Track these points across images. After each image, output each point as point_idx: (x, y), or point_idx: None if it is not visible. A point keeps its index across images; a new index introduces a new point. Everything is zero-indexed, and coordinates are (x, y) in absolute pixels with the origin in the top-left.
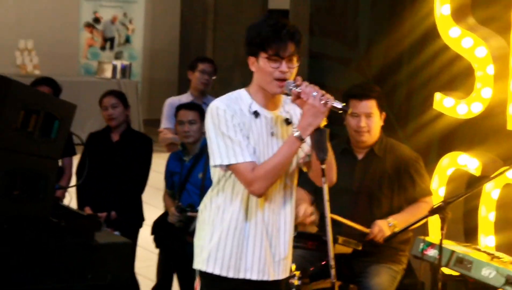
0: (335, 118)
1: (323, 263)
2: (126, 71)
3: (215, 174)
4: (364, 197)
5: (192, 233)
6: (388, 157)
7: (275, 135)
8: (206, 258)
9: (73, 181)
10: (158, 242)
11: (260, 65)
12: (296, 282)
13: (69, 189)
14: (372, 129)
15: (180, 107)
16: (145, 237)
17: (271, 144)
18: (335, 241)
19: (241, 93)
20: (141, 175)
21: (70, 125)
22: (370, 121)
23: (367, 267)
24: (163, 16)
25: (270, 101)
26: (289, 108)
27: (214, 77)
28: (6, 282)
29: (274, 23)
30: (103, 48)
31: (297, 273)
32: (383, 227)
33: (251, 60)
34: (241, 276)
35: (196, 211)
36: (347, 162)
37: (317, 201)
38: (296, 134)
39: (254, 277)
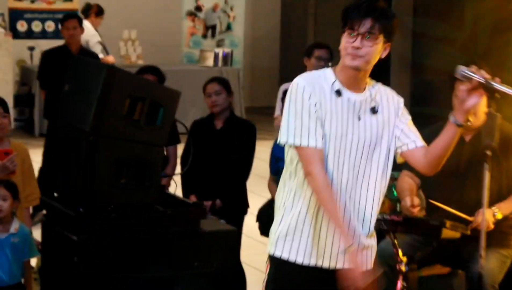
0: (438, 101)
1: (431, 248)
2: (227, 58)
3: (288, 153)
4: (472, 179)
5: None
6: (497, 137)
7: (361, 119)
8: (275, 241)
9: (178, 169)
10: (263, 230)
11: (342, 40)
12: (403, 268)
13: (175, 177)
14: (478, 112)
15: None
16: (249, 225)
17: (357, 129)
18: (442, 225)
19: (326, 71)
20: (245, 162)
21: (175, 112)
22: None
23: (475, 252)
24: (264, 2)
25: (353, 81)
26: (375, 94)
27: (330, 63)
28: (114, 270)
29: (362, 0)
30: (204, 36)
31: (404, 259)
32: (487, 217)
33: (342, 37)
34: (312, 263)
35: None
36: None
37: (424, 185)
38: None
39: (326, 264)
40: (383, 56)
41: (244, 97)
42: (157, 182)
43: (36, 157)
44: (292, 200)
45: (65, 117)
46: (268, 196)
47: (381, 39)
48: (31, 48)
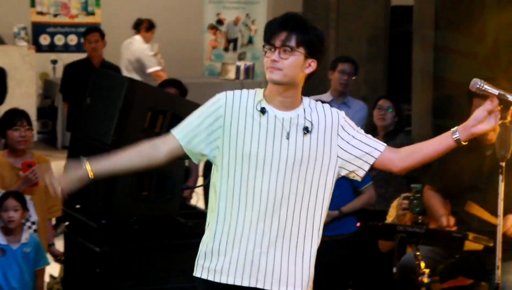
0: (460, 114)
1: (453, 260)
2: (249, 71)
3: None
4: (493, 194)
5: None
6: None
7: (290, 138)
8: None
9: (200, 181)
10: None
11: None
12: (425, 280)
13: (196, 189)
14: (497, 127)
15: None
16: None
17: (285, 147)
18: (465, 237)
19: (257, 91)
20: None
21: None
22: None
23: None
24: None
25: (280, 98)
26: (310, 114)
27: (354, 77)
28: (136, 281)
29: (279, 16)
30: (226, 49)
31: (427, 271)
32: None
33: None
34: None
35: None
36: (475, 158)
37: (445, 199)
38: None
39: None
40: (307, 71)
41: None
42: (178, 194)
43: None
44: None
45: (86, 129)
46: None
47: (300, 52)
48: (54, 62)
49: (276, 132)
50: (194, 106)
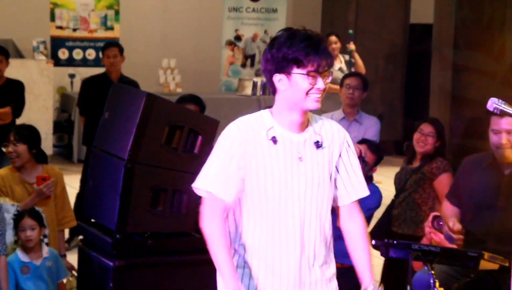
0: (478, 133)
1: (468, 279)
2: (266, 88)
3: None
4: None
5: None
6: None
7: (304, 159)
8: None
9: None
10: None
11: (294, 82)
12: None
13: None
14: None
15: None
16: None
17: (299, 169)
18: (480, 256)
19: (264, 114)
20: None
21: (213, 140)
22: None
23: None
24: None
25: (295, 122)
26: (320, 130)
27: (364, 93)
28: None
29: (308, 36)
30: (243, 65)
31: (441, 289)
32: None
33: (278, 77)
34: None
35: None
36: (492, 177)
37: (463, 217)
38: None
39: None
40: None
41: None
42: (194, 209)
43: (74, 183)
44: None
45: (103, 144)
46: None
47: None
48: (72, 76)
49: (293, 157)
50: (211, 121)
